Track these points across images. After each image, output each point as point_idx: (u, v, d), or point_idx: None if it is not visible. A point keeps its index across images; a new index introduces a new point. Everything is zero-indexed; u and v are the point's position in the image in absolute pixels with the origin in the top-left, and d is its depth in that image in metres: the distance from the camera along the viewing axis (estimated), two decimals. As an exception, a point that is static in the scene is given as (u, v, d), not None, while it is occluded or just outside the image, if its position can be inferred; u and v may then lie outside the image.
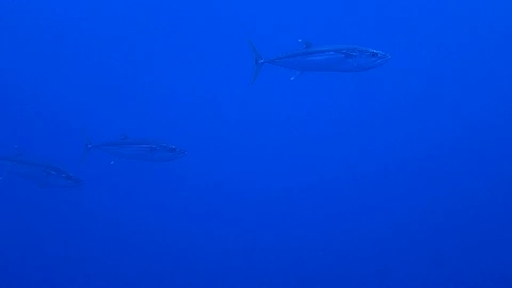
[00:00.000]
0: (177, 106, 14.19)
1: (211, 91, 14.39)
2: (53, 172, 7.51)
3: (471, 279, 11.90)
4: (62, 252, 11.77)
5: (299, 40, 6.51)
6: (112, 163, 8.06)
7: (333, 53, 6.29)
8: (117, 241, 12.50)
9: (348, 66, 6.27)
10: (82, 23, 14.58)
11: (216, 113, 14.34)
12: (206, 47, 14.37)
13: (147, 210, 12.99)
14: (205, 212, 13.16)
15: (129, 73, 14.63)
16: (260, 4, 14.32)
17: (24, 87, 14.22)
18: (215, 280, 12.14)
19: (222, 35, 14.07)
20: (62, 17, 14.58)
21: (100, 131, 9.07)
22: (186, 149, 7.78)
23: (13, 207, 11.87)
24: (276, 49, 6.87)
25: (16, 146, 7.89)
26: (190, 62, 14.46)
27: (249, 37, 6.94)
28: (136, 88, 14.53)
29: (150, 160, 7.96)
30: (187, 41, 14.47)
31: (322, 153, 14.11)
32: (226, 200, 13.42)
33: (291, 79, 6.61)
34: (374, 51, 6.13)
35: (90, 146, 8.14)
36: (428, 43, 14.30)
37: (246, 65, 7.01)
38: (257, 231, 12.96)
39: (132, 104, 14.18)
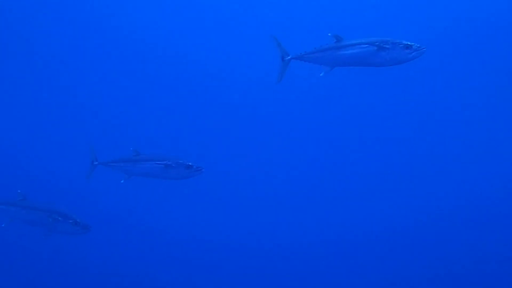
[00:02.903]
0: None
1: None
2: (59, 218, 6.92)
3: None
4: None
5: (329, 34, 6.32)
6: (122, 181, 7.47)
7: (365, 46, 6.09)
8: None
9: (381, 60, 6.07)
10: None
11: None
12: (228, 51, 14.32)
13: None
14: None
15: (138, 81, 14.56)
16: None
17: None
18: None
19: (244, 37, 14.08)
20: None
21: (109, 145, 8.80)
22: (203, 165, 7.23)
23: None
24: (298, 44, 6.71)
25: (19, 191, 7.27)
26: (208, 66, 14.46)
27: (273, 34, 6.73)
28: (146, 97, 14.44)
29: (165, 178, 7.39)
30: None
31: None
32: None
33: (320, 75, 6.40)
34: (408, 43, 5.95)
35: (96, 163, 7.62)
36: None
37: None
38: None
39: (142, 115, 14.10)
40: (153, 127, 13.86)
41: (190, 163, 7.19)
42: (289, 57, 6.58)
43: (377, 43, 6.02)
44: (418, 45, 5.94)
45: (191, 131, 13.85)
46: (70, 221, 6.96)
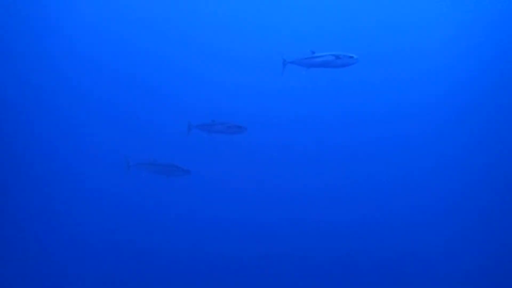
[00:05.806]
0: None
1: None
2: (175, 168, 11.87)
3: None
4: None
5: (309, 50, 10.62)
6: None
7: (328, 56, 10.34)
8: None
9: (337, 64, 10.27)
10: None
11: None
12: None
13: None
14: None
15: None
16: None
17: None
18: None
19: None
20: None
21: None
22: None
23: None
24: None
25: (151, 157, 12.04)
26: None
27: (280, 50, 11.18)
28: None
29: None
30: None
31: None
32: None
33: (302, 73, 10.70)
34: (351, 55, 10.10)
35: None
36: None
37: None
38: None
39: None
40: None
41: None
42: (287, 62, 10.96)
43: (334, 55, 10.23)
44: (356, 56, 10.06)
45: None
46: (182, 169, 11.83)
